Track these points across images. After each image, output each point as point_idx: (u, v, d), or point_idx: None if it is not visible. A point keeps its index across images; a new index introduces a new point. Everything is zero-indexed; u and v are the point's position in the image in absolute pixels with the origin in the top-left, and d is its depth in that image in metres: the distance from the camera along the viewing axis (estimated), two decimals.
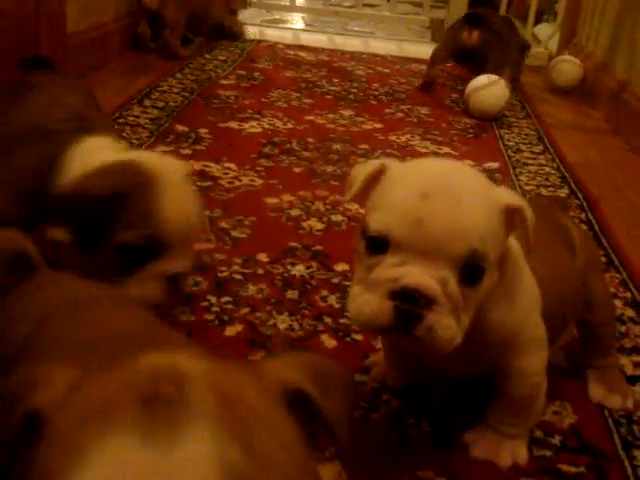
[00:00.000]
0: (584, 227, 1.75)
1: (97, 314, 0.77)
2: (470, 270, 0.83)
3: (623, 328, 1.34)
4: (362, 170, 0.91)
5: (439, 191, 0.83)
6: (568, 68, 3.05)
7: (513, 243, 0.95)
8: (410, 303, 0.81)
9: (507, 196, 0.88)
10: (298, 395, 0.50)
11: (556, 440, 1.06)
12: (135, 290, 1.07)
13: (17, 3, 2.15)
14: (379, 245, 0.84)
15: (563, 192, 1.99)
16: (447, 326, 0.83)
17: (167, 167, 1.12)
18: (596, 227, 1.77)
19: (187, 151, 2.01)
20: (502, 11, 3.89)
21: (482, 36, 2.92)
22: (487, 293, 0.89)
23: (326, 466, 0.92)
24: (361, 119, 2.48)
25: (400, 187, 0.86)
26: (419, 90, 2.95)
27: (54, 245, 1.14)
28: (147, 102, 2.40)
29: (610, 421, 1.12)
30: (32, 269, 0.84)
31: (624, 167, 2.26)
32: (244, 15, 3.81)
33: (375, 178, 0.90)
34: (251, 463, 0.42)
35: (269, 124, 2.33)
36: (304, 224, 1.65)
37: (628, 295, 1.46)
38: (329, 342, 1.24)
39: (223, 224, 1.59)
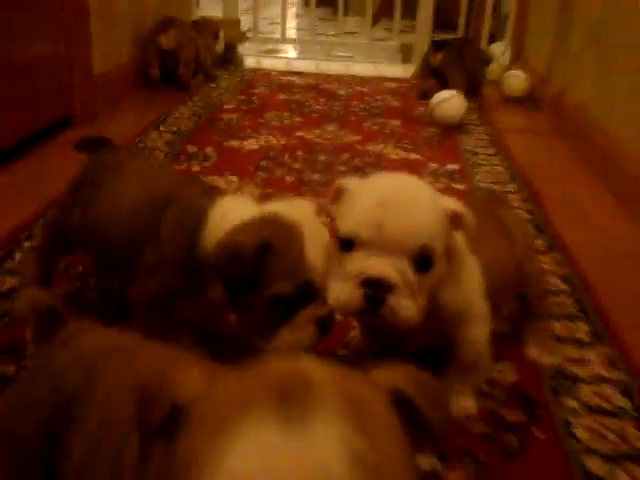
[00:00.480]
0: (529, 216, 1.80)
1: (142, 356, 0.73)
2: (422, 261, 0.89)
3: (558, 299, 1.39)
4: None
5: (394, 200, 0.89)
6: (516, 81, 3.09)
7: (458, 237, 1.00)
8: (375, 289, 0.88)
9: (451, 203, 0.94)
10: (404, 402, 0.50)
11: (501, 394, 1.11)
12: (290, 337, 1.00)
13: (52, 49, 2.20)
14: (348, 244, 0.91)
15: (512, 187, 2.04)
16: (407, 307, 0.89)
17: (302, 212, 1.03)
18: (538, 216, 1.81)
19: (197, 168, 2.06)
20: (460, 33, 3.93)
21: (444, 58, 3.00)
22: (438, 279, 0.95)
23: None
24: (343, 133, 2.51)
25: (362, 198, 0.92)
26: (414, 99, 3.09)
27: (214, 305, 1.12)
28: (162, 128, 2.45)
29: (542, 375, 1.17)
30: (60, 322, 0.80)
31: (564, 164, 2.30)
32: (243, 47, 3.84)
33: (338, 195, 0.97)
34: (371, 450, 0.42)
35: (265, 141, 2.37)
36: None
37: (566, 272, 1.51)
38: None
39: None
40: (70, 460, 0.69)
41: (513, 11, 3.64)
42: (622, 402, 1.09)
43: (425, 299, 0.93)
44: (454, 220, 0.93)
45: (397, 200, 0.89)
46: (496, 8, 3.94)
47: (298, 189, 1.94)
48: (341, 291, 0.90)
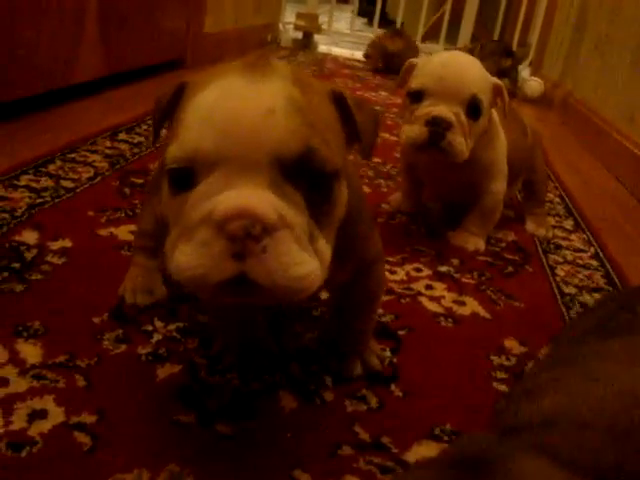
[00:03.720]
0: None
1: None
2: (472, 109, 1.02)
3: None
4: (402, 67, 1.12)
5: (453, 62, 1.04)
6: (534, 85, 3.18)
7: (494, 114, 1.13)
8: (437, 126, 1.00)
9: (494, 79, 1.06)
10: (341, 101, 0.52)
11: (503, 245, 1.22)
12: None
13: (177, 11, 2.33)
14: (418, 96, 1.04)
15: None
16: (460, 142, 1.01)
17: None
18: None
19: None
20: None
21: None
22: (481, 133, 1.06)
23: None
24: (393, 97, 2.61)
25: (429, 63, 1.05)
26: None
27: None
28: None
29: (536, 240, 1.28)
30: None
31: (566, 143, 2.39)
32: (317, 37, 3.94)
33: (410, 68, 1.10)
34: (308, 106, 0.47)
35: None
36: None
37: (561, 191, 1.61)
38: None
39: None
40: None
41: (536, 37, 3.72)
42: (594, 262, 1.21)
43: (473, 142, 1.04)
44: (495, 89, 1.06)
45: (455, 62, 1.03)
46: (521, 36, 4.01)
47: None
48: (411, 131, 1.04)
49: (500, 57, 3.13)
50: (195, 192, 0.46)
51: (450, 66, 1.03)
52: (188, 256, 0.44)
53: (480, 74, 1.05)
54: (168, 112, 0.53)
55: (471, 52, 3.05)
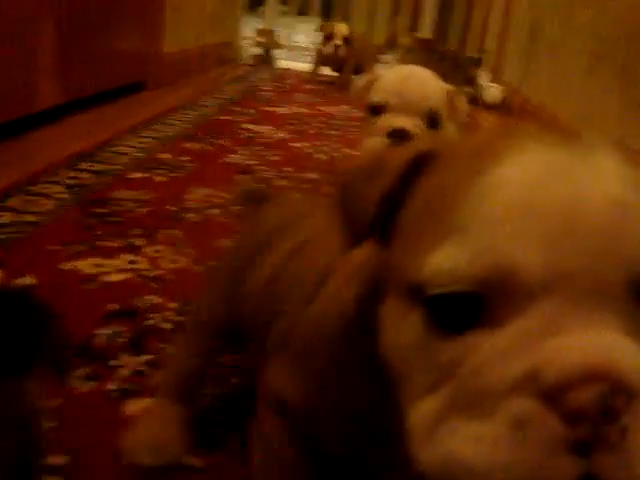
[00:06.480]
0: None
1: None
2: (432, 120, 1.07)
3: None
4: (360, 81, 1.17)
5: (411, 76, 1.09)
6: (493, 91, 3.25)
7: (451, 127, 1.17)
8: (399, 138, 1.03)
9: (447, 86, 1.11)
10: None
11: None
12: None
13: (135, 31, 2.33)
14: (378, 110, 1.09)
15: None
16: None
17: None
18: None
19: (241, 118, 2.21)
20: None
21: None
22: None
23: None
24: (355, 110, 2.62)
25: (389, 77, 1.11)
26: None
27: None
28: (217, 95, 2.61)
29: None
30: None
31: None
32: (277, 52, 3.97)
33: (370, 83, 1.14)
34: None
35: (293, 110, 2.52)
36: None
37: None
38: None
39: None
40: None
41: (494, 44, 3.80)
42: None
43: None
44: (449, 96, 1.11)
45: (412, 76, 1.08)
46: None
47: (320, 139, 2.09)
48: (373, 142, 1.08)
49: (468, 67, 3.21)
50: (494, 336, 0.28)
51: (409, 80, 1.08)
52: (485, 444, 0.26)
53: (437, 87, 1.10)
54: (397, 195, 0.34)
55: (442, 60, 3.12)
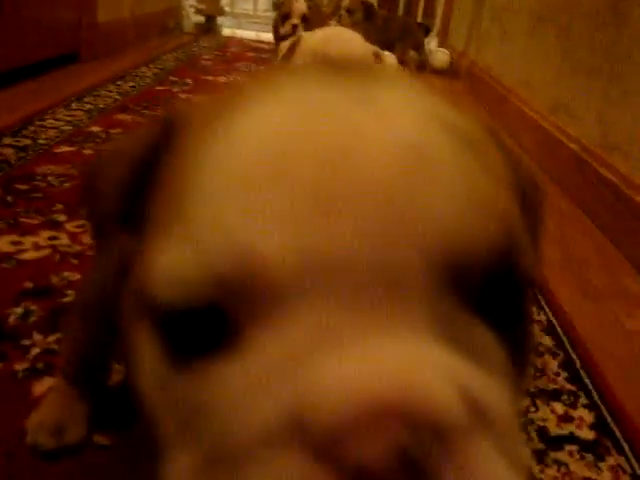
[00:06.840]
0: None
1: None
2: None
3: None
4: (285, 44, 1.13)
5: (333, 38, 1.07)
6: (441, 56, 3.24)
7: None
8: None
9: (372, 47, 1.09)
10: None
11: None
12: None
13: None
14: None
15: None
16: None
17: None
18: None
19: (177, 89, 2.15)
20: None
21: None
22: None
23: None
24: None
25: (311, 39, 1.08)
26: None
27: None
28: (151, 65, 2.53)
29: None
30: None
31: (472, 112, 2.45)
32: (221, 20, 3.88)
33: (294, 45, 1.12)
34: (470, 132, 0.25)
35: (233, 78, 2.46)
36: None
37: None
38: None
39: None
40: None
41: (441, 8, 3.78)
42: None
43: None
44: (375, 55, 1.08)
45: (336, 37, 1.07)
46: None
47: None
48: None
49: (417, 32, 3.18)
50: (242, 361, 0.20)
51: (332, 42, 1.05)
52: None
53: (362, 47, 1.07)
54: (140, 182, 0.27)
55: (389, 25, 3.07)
